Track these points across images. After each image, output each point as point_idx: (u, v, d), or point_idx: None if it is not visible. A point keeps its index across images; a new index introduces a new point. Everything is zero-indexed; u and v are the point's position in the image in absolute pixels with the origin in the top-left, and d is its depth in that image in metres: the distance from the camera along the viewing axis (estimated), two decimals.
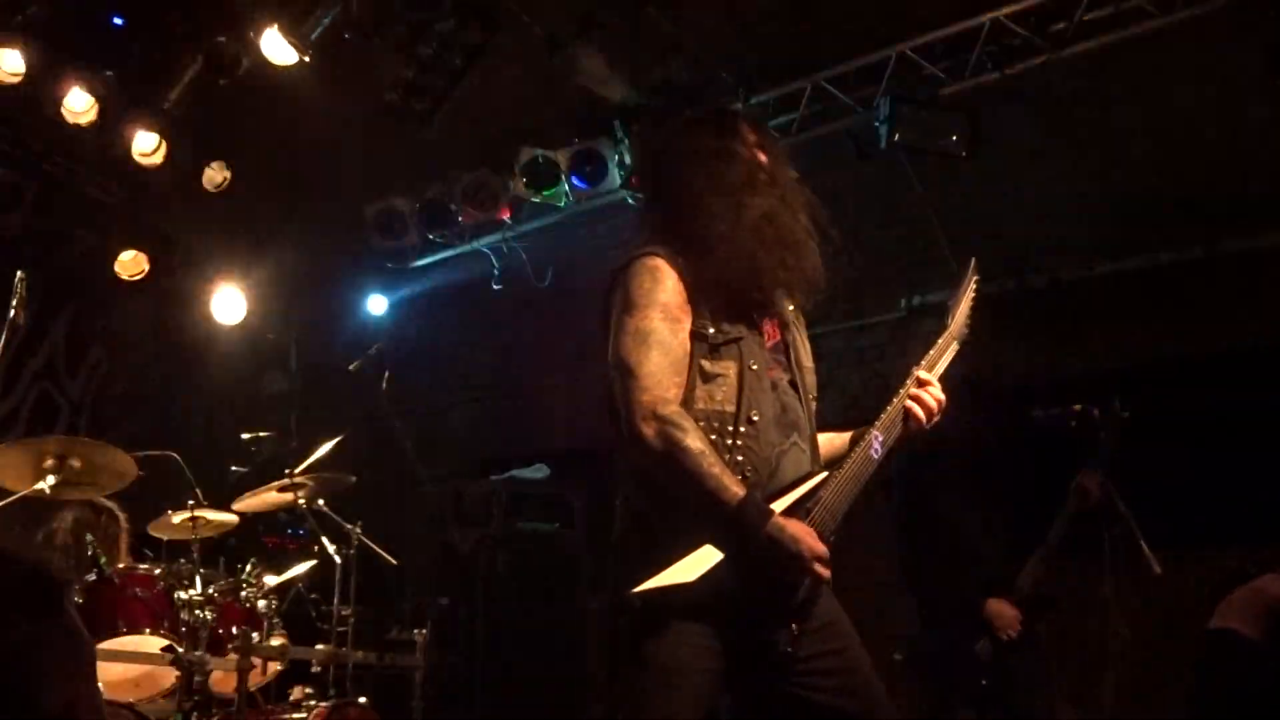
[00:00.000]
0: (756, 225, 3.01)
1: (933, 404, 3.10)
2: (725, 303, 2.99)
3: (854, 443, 3.12)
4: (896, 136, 6.66)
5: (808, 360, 3.19)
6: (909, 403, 3.08)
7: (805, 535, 2.78)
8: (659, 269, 2.97)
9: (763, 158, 3.15)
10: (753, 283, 3.00)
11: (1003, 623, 4.86)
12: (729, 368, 2.95)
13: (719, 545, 2.76)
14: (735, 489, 2.77)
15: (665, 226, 3.10)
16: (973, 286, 3.37)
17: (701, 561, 2.76)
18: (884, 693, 3.02)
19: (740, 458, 2.88)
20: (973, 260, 3.44)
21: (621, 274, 3.02)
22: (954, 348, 3.28)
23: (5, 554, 1.39)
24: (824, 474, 2.96)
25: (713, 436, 2.87)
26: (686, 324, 2.95)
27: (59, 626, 1.42)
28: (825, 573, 2.83)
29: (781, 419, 2.98)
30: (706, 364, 2.94)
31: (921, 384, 3.11)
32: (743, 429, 2.90)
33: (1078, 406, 5.07)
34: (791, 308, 3.18)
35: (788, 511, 2.82)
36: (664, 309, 2.92)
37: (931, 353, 3.21)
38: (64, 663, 1.41)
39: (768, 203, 3.06)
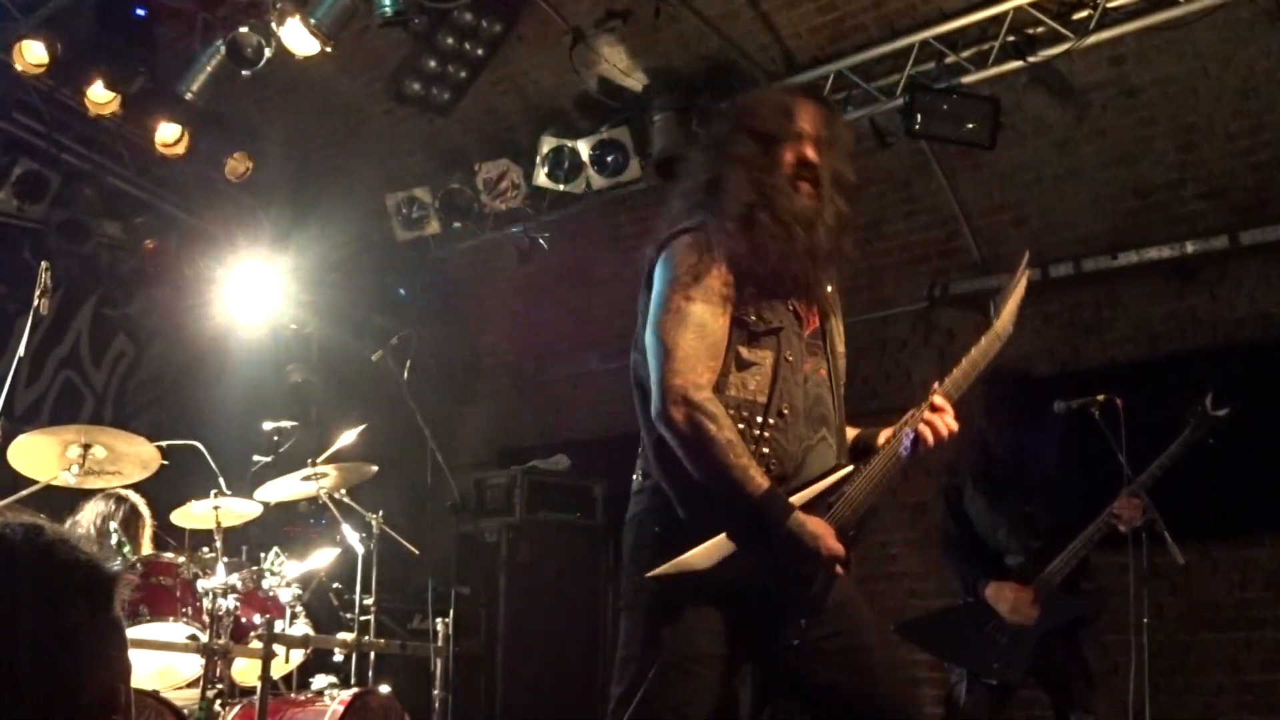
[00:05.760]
0: (775, 225, 2.96)
1: (944, 432, 3.01)
2: (766, 289, 2.95)
3: (864, 448, 3.09)
4: (919, 125, 6.63)
5: (841, 345, 3.17)
6: (921, 426, 3.00)
7: (824, 533, 2.78)
8: (707, 248, 2.93)
9: (812, 154, 3.05)
10: (781, 276, 2.96)
11: (1004, 605, 4.87)
12: (765, 357, 2.93)
13: (738, 536, 2.76)
14: (759, 481, 2.76)
15: (708, 207, 3.05)
16: (1024, 281, 3.24)
17: (717, 549, 2.76)
18: (897, 672, 3.02)
19: (766, 450, 2.87)
20: (1026, 254, 3.32)
21: (669, 246, 2.98)
22: (997, 347, 3.16)
23: (65, 540, 1.41)
24: (849, 468, 2.94)
25: (741, 425, 2.85)
26: (727, 309, 2.91)
27: (109, 618, 1.44)
28: (841, 571, 2.83)
29: (812, 412, 2.97)
30: (744, 351, 2.92)
31: (935, 409, 3.02)
32: (772, 421, 2.89)
33: (1101, 397, 5.04)
34: (830, 289, 3.14)
35: (810, 505, 2.82)
36: (707, 290, 2.89)
37: (965, 363, 3.10)
38: (109, 655, 1.43)
39: (806, 206, 3.00)
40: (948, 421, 3.03)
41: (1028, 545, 5.02)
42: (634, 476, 3.06)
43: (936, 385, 3.07)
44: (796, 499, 2.83)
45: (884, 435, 3.09)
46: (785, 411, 2.90)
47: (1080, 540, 4.90)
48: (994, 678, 4.91)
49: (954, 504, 5.11)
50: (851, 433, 3.17)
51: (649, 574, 2.78)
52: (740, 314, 2.93)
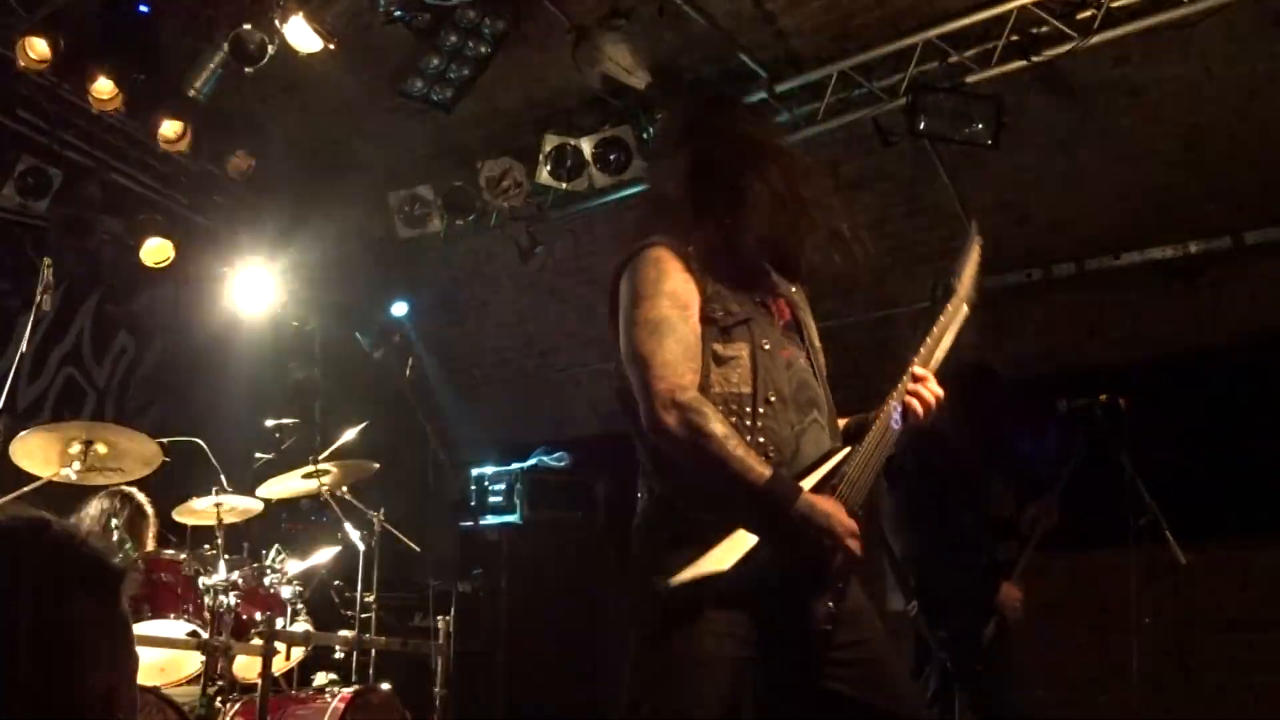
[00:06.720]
0: (760, 201, 3.00)
1: (930, 399, 3.04)
2: (733, 285, 2.99)
3: (856, 432, 3.09)
4: (922, 125, 6.63)
5: (817, 341, 3.18)
6: (906, 398, 3.03)
7: (836, 510, 2.78)
8: (662, 258, 2.96)
9: (767, 145, 3.13)
10: (743, 267, 3.01)
11: (1010, 605, 4.91)
12: (741, 349, 2.94)
13: (750, 527, 2.76)
14: (762, 469, 2.76)
15: (673, 209, 3.10)
16: (977, 249, 3.32)
17: (735, 548, 2.75)
18: (911, 685, 3.01)
19: (761, 439, 2.86)
20: (974, 223, 3.42)
21: (625, 267, 3.03)
22: (964, 312, 3.21)
23: (73, 535, 1.41)
24: (846, 450, 2.95)
25: (732, 419, 2.85)
26: (695, 310, 2.93)
27: (115, 614, 1.44)
28: (857, 547, 2.81)
29: (799, 396, 2.97)
30: (719, 347, 2.93)
31: (917, 379, 3.06)
32: (761, 409, 2.89)
33: (1103, 396, 5.05)
34: (795, 289, 3.17)
35: (814, 490, 2.82)
36: (671, 297, 2.91)
37: (935, 330, 3.15)
38: (113, 649, 1.43)
39: (765, 195, 3.03)
40: (932, 388, 3.06)
41: (995, 543, 5.05)
42: (638, 495, 3.06)
43: (913, 357, 3.10)
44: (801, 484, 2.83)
45: (873, 416, 3.10)
46: (772, 398, 2.91)
47: (1033, 542, 4.98)
48: (976, 682, 4.92)
49: (926, 496, 5.07)
50: (841, 422, 3.18)
51: (672, 582, 2.76)
52: (707, 311, 2.95)
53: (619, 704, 2.92)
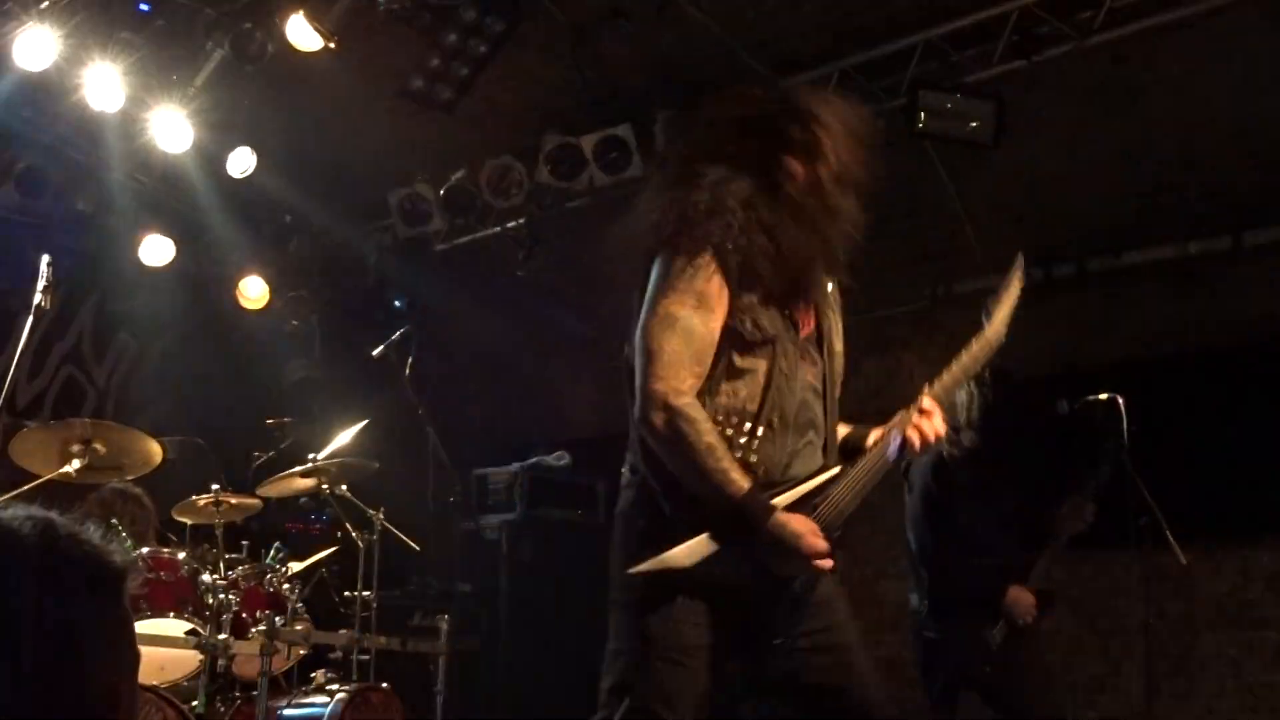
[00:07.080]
0: (782, 225, 2.94)
1: (930, 435, 3.02)
2: (766, 299, 2.93)
3: (854, 448, 3.08)
4: (922, 124, 6.62)
5: (839, 344, 3.14)
6: (909, 431, 3.01)
7: (805, 531, 2.79)
8: (703, 258, 2.87)
9: (824, 143, 3.05)
10: (785, 280, 2.94)
11: (1021, 609, 4.87)
12: (759, 365, 2.92)
13: (720, 537, 2.78)
14: (740, 484, 2.76)
15: (705, 212, 2.96)
16: (1018, 285, 3.22)
17: (699, 548, 2.78)
18: (873, 669, 3.03)
19: (754, 458, 2.87)
20: (1020, 257, 3.33)
21: (663, 251, 2.94)
22: (989, 352, 3.15)
23: (75, 533, 1.41)
24: (836, 469, 2.95)
25: (729, 431, 2.85)
26: (720, 316, 2.88)
27: (116, 613, 1.43)
28: (826, 565, 2.82)
29: (799, 418, 2.96)
30: (736, 358, 2.91)
31: (924, 412, 3.03)
32: (761, 430, 2.88)
33: (1103, 396, 5.04)
34: (831, 286, 3.12)
35: (795, 506, 2.82)
36: (699, 297, 2.86)
37: (954, 368, 3.12)
38: (115, 648, 1.43)
39: (816, 202, 3.02)
40: (936, 425, 3.04)
41: (1014, 543, 5.04)
42: (623, 470, 3.07)
43: (927, 387, 3.08)
44: (780, 500, 2.83)
45: (874, 436, 3.08)
46: (775, 422, 2.90)
47: (1059, 542, 4.96)
48: (985, 682, 4.91)
49: (935, 499, 5.06)
50: (843, 430, 3.16)
51: (631, 570, 2.82)
52: (734, 322, 2.91)
53: (599, 689, 2.94)
